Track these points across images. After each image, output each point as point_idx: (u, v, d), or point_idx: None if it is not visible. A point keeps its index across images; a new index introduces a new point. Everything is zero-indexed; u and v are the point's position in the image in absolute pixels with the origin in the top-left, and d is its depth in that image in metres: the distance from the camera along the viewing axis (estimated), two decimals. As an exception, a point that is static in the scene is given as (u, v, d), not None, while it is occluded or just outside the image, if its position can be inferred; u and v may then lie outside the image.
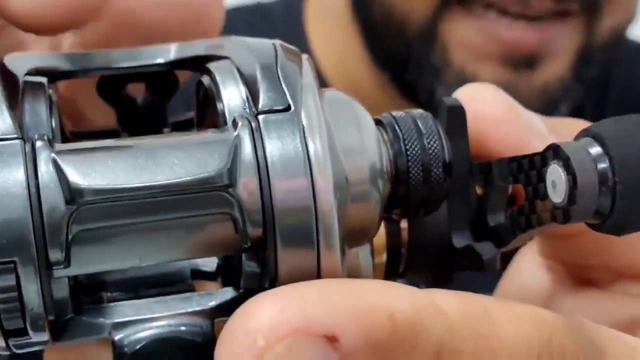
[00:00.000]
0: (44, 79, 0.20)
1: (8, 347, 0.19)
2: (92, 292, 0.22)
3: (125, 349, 0.19)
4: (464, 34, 0.57)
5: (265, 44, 0.21)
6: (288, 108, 0.19)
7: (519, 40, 0.57)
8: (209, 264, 0.23)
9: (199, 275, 0.22)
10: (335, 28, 0.65)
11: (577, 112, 0.62)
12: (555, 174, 0.19)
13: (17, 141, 0.18)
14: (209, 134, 0.19)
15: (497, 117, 0.24)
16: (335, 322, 0.18)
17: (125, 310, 0.20)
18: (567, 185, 0.19)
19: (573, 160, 0.18)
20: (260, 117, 0.19)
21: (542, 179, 0.20)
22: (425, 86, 0.59)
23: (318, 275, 0.19)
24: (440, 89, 0.59)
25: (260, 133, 0.19)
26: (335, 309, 0.18)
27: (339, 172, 0.19)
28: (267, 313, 0.18)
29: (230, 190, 0.18)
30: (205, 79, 0.21)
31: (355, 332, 0.18)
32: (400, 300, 0.18)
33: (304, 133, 0.19)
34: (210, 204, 0.19)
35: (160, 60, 0.23)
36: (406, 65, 0.60)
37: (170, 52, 0.23)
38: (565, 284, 0.27)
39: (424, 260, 0.24)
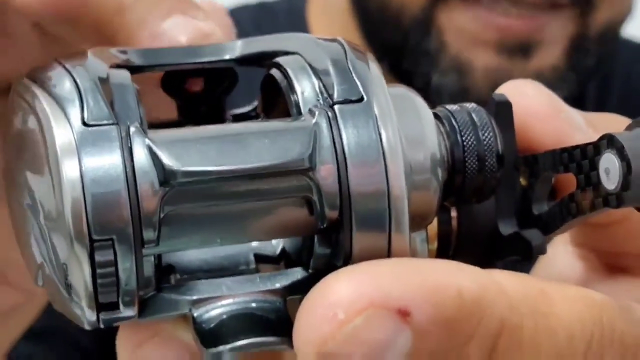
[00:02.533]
0: (127, 72, 0.21)
1: (98, 320, 0.20)
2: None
3: (205, 324, 0.21)
4: (459, 21, 0.59)
5: (330, 40, 0.22)
6: (361, 99, 0.21)
7: (513, 27, 0.58)
8: (269, 248, 0.24)
9: (262, 259, 0.24)
10: (336, 24, 0.67)
11: (575, 104, 0.64)
12: (609, 161, 0.20)
13: (113, 126, 0.19)
14: (289, 123, 0.21)
15: (541, 111, 0.25)
16: (408, 297, 0.19)
17: (203, 288, 0.21)
18: (621, 171, 0.20)
19: (627, 148, 0.20)
20: (336, 107, 0.20)
21: (594, 167, 0.21)
22: (422, 73, 0.61)
23: (388, 256, 0.20)
24: (435, 76, 0.60)
25: (337, 122, 0.20)
26: (407, 285, 0.19)
27: (405, 160, 0.21)
28: (345, 288, 0.19)
29: (310, 173, 0.20)
30: (276, 73, 0.22)
31: (426, 307, 0.19)
32: (467, 278, 0.20)
33: (376, 122, 0.20)
34: (291, 187, 0.20)
35: (227, 57, 0.24)
36: (403, 53, 0.61)
37: (236, 49, 0.24)
38: (598, 272, 0.28)
39: (471, 247, 0.25)
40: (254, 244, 0.24)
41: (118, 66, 0.22)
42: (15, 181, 0.22)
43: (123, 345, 0.22)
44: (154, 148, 0.19)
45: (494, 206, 0.25)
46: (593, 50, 0.60)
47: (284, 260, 0.24)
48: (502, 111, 0.24)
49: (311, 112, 0.20)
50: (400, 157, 0.20)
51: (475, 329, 0.19)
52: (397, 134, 0.20)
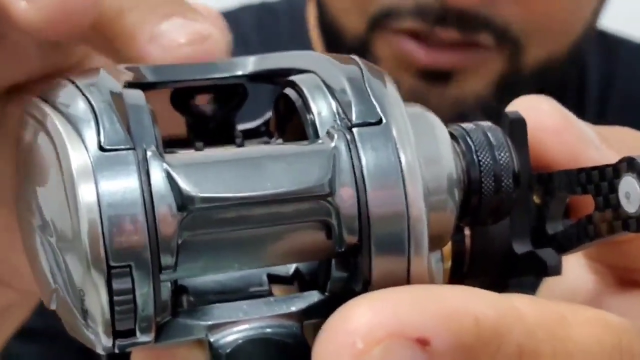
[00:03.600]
0: (141, 92, 0.21)
1: (113, 346, 0.20)
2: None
3: (221, 350, 0.20)
4: (385, 53, 0.59)
5: (346, 59, 0.22)
6: (380, 121, 0.20)
7: (433, 63, 0.58)
8: (282, 268, 0.24)
9: (275, 279, 0.24)
10: None
11: (577, 104, 0.63)
12: (629, 185, 0.20)
13: (130, 151, 0.19)
14: (307, 146, 0.20)
15: (554, 127, 0.25)
16: (427, 326, 0.19)
17: (219, 312, 0.21)
18: None
19: None
20: (355, 129, 0.20)
21: (613, 189, 0.21)
22: None
23: (407, 280, 0.20)
24: None
25: (356, 145, 0.20)
26: (426, 313, 0.19)
27: (423, 182, 0.20)
28: (364, 317, 0.19)
29: (330, 198, 0.20)
30: (290, 92, 0.22)
31: (445, 335, 0.19)
32: (484, 304, 0.20)
33: (395, 145, 0.20)
34: (310, 211, 0.20)
35: (238, 73, 0.24)
36: None
37: (248, 65, 0.24)
38: (611, 286, 0.28)
39: (485, 266, 0.25)
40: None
41: (130, 85, 0.22)
42: (26, 201, 0.22)
43: None
44: (172, 173, 0.19)
45: (507, 225, 0.24)
46: (528, 86, 0.58)
47: (297, 280, 0.23)
48: (516, 129, 0.24)
49: (329, 135, 0.20)
50: (419, 180, 0.20)
51: (494, 356, 0.19)
52: (416, 157, 0.20)
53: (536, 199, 0.25)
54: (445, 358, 0.19)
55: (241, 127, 0.26)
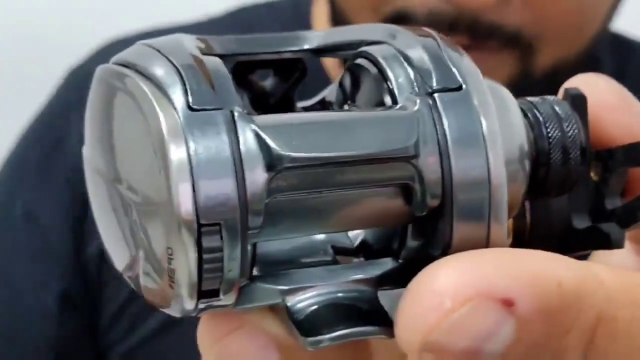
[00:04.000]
0: (218, 59, 0.21)
1: (195, 307, 0.20)
2: None
3: (298, 314, 0.20)
4: None
5: (420, 30, 0.22)
6: (460, 87, 0.20)
7: None
8: (346, 240, 0.24)
9: (340, 251, 0.24)
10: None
11: None
12: None
13: (218, 111, 0.19)
14: (391, 111, 0.20)
15: (613, 104, 0.25)
16: (512, 287, 0.19)
17: (295, 277, 0.21)
18: None
19: None
20: (436, 95, 0.20)
21: None
22: None
23: (486, 247, 0.20)
24: None
25: (438, 110, 0.20)
26: (511, 275, 0.19)
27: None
28: (452, 277, 0.19)
29: (414, 161, 0.20)
30: (363, 61, 0.22)
31: (530, 297, 0.19)
32: (566, 269, 0.20)
33: (477, 111, 0.20)
34: (394, 175, 0.20)
35: (305, 47, 0.24)
36: None
37: (314, 38, 0.24)
38: None
39: (545, 241, 0.25)
40: (329, 235, 0.24)
41: (204, 54, 0.22)
42: (97, 170, 0.22)
43: (206, 336, 0.22)
44: (260, 133, 0.19)
45: (566, 200, 0.25)
46: (539, 88, 0.59)
47: (363, 252, 0.23)
48: (577, 105, 0.24)
49: (410, 100, 0.20)
50: (500, 147, 0.20)
51: (574, 320, 0.19)
52: (497, 124, 0.20)
53: (594, 176, 0.25)
54: (529, 319, 0.19)
55: (300, 105, 0.26)
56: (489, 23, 0.55)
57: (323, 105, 0.26)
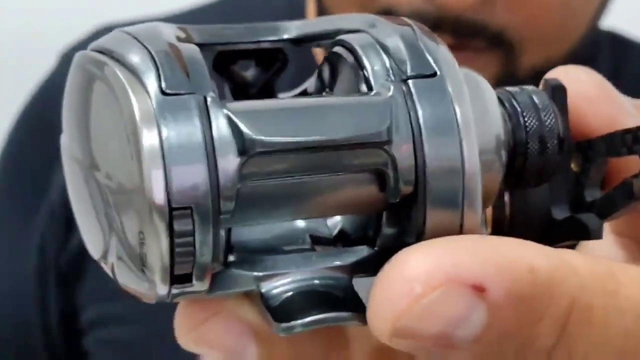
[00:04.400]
0: (195, 46, 0.21)
1: (168, 294, 0.20)
2: None
3: (272, 301, 0.20)
4: None
5: (397, 19, 0.22)
6: (434, 74, 0.21)
7: None
8: (324, 229, 0.24)
9: (317, 240, 0.24)
10: None
11: None
12: None
13: (191, 95, 0.19)
14: (365, 97, 0.21)
15: (594, 95, 0.25)
16: (484, 273, 0.19)
17: (269, 264, 0.21)
18: None
19: None
20: (410, 81, 0.20)
21: None
22: None
23: (460, 234, 0.20)
24: None
25: (412, 96, 0.20)
26: (483, 261, 0.19)
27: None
28: (423, 262, 0.19)
29: (387, 147, 0.20)
30: (340, 50, 0.22)
31: (501, 283, 0.19)
32: (539, 256, 0.20)
33: (451, 98, 0.20)
34: (367, 161, 0.20)
35: (284, 37, 0.24)
36: None
37: (292, 28, 0.24)
38: (639, 261, 0.28)
39: (524, 231, 0.25)
40: (308, 225, 0.24)
41: (182, 41, 0.22)
42: (74, 157, 0.22)
43: (183, 323, 0.22)
44: (233, 117, 0.19)
45: (546, 191, 0.25)
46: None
47: (340, 242, 0.23)
48: (557, 95, 0.24)
49: (385, 87, 0.20)
50: (474, 134, 0.20)
51: (547, 307, 0.19)
52: (471, 111, 0.20)
53: (574, 167, 0.25)
54: (501, 306, 0.19)
55: (281, 95, 0.26)
56: (472, 22, 0.55)
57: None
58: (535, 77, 0.60)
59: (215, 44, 0.24)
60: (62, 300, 0.62)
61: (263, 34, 0.24)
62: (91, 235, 0.22)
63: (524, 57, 0.58)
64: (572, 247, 0.30)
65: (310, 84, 0.25)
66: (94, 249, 0.22)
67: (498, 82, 0.57)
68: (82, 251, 0.60)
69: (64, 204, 0.61)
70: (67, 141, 0.23)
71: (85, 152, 0.21)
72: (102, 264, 0.22)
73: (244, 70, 0.25)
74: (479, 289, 0.19)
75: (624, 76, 0.68)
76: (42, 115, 0.65)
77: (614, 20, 0.67)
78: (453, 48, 0.63)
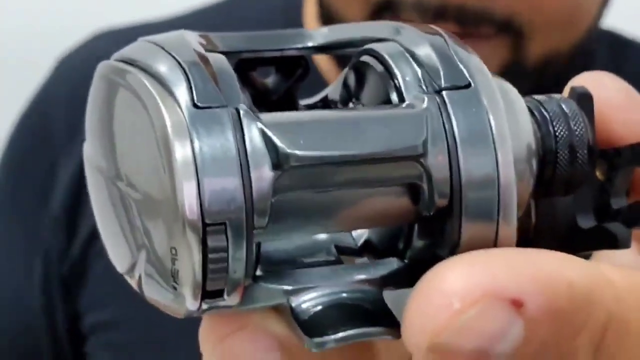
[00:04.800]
0: (222, 56, 0.21)
1: (199, 308, 0.19)
2: None
3: (303, 315, 0.20)
4: None
5: (427, 28, 0.22)
6: (469, 85, 0.20)
7: None
8: (349, 239, 0.24)
9: (343, 250, 0.23)
10: None
11: None
12: None
13: (224, 109, 0.19)
14: (399, 109, 0.20)
15: (620, 103, 0.25)
16: (522, 288, 0.19)
17: (299, 277, 0.21)
18: None
19: None
20: (444, 93, 0.20)
21: None
22: None
23: (495, 246, 0.20)
24: None
25: (447, 108, 0.20)
26: (521, 275, 0.19)
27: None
28: (461, 277, 0.19)
29: (422, 160, 0.19)
30: (369, 59, 0.22)
31: (539, 298, 0.19)
32: (576, 269, 0.19)
33: (486, 109, 0.20)
34: (402, 174, 0.20)
35: (309, 44, 0.24)
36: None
37: (317, 36, 0.24)
38: None
39: (549, 240, 0.25)
40: (332, 235, 0.23)
41: (208, 51, 0.22)
42: (98, 168, 0.22)
43: (208, 337, 0.22)
44: (267, 131, 0.19)
45: (571, 199, 0.24)
46: (530, 79, 0.59)
47: (366, 252, 0.23)
48: (584, 103, 0.24)
49: (418, 98, 0.20)
50: (509, 145, 0.20)
51: (585, 322, 0.19)
52: (506, 122, 0.20)
53: (599, 175, 0.25)
54: (539, 321, 0.19)
55: (302, 103, 0.26)
56: (477, 10, 0.55)
57: (325, 104, 0.25)
58: (542, 67, 0.60)
59: (240, 52, 0.23)
60: (67, 306, 0.62)
61: (287, 41, 0.24)
62: (117, 249, 0.22)
63: (532, 45, 0.57)
64: (588, 256, 0.29)
65: (334, 90, 0.25)
66: (119, 263, 0.22)
67: (505, 70, 0.57)
68: (84, 257, 0.60)
69: (67, 209, 0.60)
70: (91, 151, 0.22)
71: (110, 162, 0.21)
72: (128, 278, 0.21)
73: (264, 77, 0.25)
74: (516, 304, 0.19)
75: (623, 76, 0.68)
76: (39, 123, 0.65)
77: (614, 21, 0.67)
78: (459, 36, 0.63)
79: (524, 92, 0.23)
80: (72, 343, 0.62)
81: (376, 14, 0.57)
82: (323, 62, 0.62)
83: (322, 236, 0.23)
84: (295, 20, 0.67)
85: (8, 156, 0.66)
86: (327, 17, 0.62)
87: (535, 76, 0.58)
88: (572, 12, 0.59)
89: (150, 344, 0.59)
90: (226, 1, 0.70)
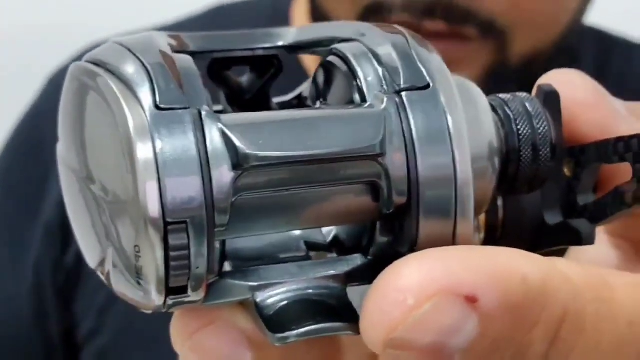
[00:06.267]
0: (189, 57, 0.21)
1: (164, 304, 0.20)
2: None
3: (267, 310, 0.21)
4: None
5: (389, 28, 0.22)
6: (427, 86, 0.21)
7: None
8: (319, 236, 0.24)
9: (313, 247, 0.24)
10: None
11: None
12: None
13: (185, 110, 0.19)
14: (358, 109, 0.21)
15: (587, 100, 0.25)
16: (476, 283, 0.19)
17: (264, 273, 0.21)
18: None
19: None
20: (404, 94, 0.20)
21: None
22: None
23: (453, 243, 0.21)
24: None
25: (405, 108, 0.20)
26: (475, 271, 0.19)
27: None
28: (416, 273, 0.19)
29: (380, 159, 0.20)
30: (334, 59, 0.22)
31: (494, 293, 0.19)
32: (531, 265, 0.20)
33: (444, 109, 0.20)
34: (361, 173, 0.20)
35: (279, 44, 0.24)
36: None
37: (287, 35, 0.24)
38: (633, 262, 0.28)
39: (517, 237, 0.25)
40: (302, 232, 0.24)
41: (176, 51, 0.22)
42: (70, 167, 0.22)
43: (178, 331, 0.22)
44: (227, 132, 0.19)
45: (538, 196, 0.25)
46: (515, 79, 0.59)
47: (335, 248, 0.24)
48: (550, 101, 0.24)
49: (378, 98, 0.21)
50: (467, 144, 0.20)
51: (539, 316, 0.20)
52: (464, 121, 0.20)
53: (567, 172, 0.25)
54: (494, 316, 0.19)
55: (275, 101, 0.26)
56: (464, 8, 0.56)
57: (300, 101, 0.26)
58: (525, 67, 0.60)
59: (210, 52, 0.24)
60: (62, 316, 0.62)
61: (258, 40, 0.24)
62: (88, 244, 0.22)
63: (514, 45, 0.58)
64: (564, 250, 0.30)
65: (305, 88, 0.25)
66: (91, 258, 0.22)
67: (490, 72, 0.58)
68: (78, 266, 0.60)
69: (59, 220, 0.61)
70: (64, 151, 0.23)
71: (81, 162, 0.22)
72: (99, 273, 0.22)
73: (239, 76, 0.26)
74: (471, 300, 0.19)
75: (608, 72, 0.68)
76: (31, 136, 0.65)
77: (613, 20, 0.67)
78: (445, 35, 0.62)
79: (510, 92, 0.24)
80: (67, 353, 0.63)
81: (365, 15, 0.58)
82: (307, 58, 0.63)
83: (293, 232, 0.24)
84: (284, 24, 0.67)
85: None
86: (317, 19, 0.62)
87: (520, 76, 0.58)
88: (552, 9, 0.60)
89: (145, 352, 0.59)
90: (215, 9, 0.71)
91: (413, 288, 0.19)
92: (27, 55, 0.96)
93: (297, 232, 0.24)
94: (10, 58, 0.97)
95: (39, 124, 0.65)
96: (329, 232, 0.24)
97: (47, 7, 0.97)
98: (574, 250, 0.30)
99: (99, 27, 0.67)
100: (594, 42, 0.70)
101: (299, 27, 0.24)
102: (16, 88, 0.75)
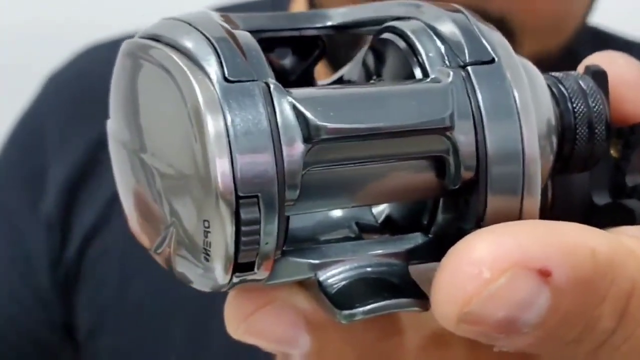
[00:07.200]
0: (247, 33, 0.21)
1: (230, 282, 0.20)
2: None
3: (330, 288, 0.20)
4: None
5: (449, 6, 0.22)
6: (493, 60, 0.20)
7: None
8: (369, 217, 0.24)
9: (364, 227, 0.24)
10: None
11: None
12: None
13: (254, 82, 0.19)
14: (424, 84, 0.20)
15: (632, 80, 0.25)
16: (549, 257, 0.19)
17: (326, 251, 0.21)
18: None
19: None
20: (470, 68, 0.20)
21: None
22: None
23: (519, 219, 0.20)
24: None
25: (472, 82, 0.20)
26: (547, 246, 0.19)
27: None
28: (490, 247, 0.19)
29: (449, 133, 0.20)
30: (391, 36, 0.22)
31: (565, 266, 0.19)
32: (599, 239, 0.20)
33: (510, 84, 0.20)
34: (429, 147, 0.20)
35: (328, 24, 0.24)
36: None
37: (336, 16, 0.24)
38: None
39: (566, 217, 0.25)
40: (352, 212, 0.23)
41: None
42: (124, 144, 0.22)
43: (234, 314, 0.22)
44: (297, 105, 0.19)
45: (587, 177, 0.25)
46: None
47: (388, 228, 0.23)
48: (598, 81, 0.24)
49: (443, 73, 0.20)
50: (534, 119, 0.20)
51: (608, 290, 0.20)
52: (530, 96, 0.20)
53: (614, 153, 0.25)
54: (565, 290, 0.19)
55: (319, 83, 0.26)
56: (474, 7, 0.55)
57: (342, 84, 0.26)
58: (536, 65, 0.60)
59: (259, 31, 0.23)
60: (62, 312, 0.61)
61: (306, 21, 0.24)
62: (142, 227, 0.22)
63: (523, 46, 0.58)
64: None
65: (350, 71, 0.25)
66: (146, 239, 0.22)
67: None
68: (78, 262, 0.60)
69: (58, 214, 0.60)
70: (115, 127, 0.22)
71: (135, 138, 0.21)
72: (154, 254, 0.22)
73: (280, 59, 0.25)
74: (544, 273, 0.19)
75: None
76: (30, 135, 0.64)
77: (613, 20, 0.67)
78: None
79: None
80: (67, 349, 0.62)
81: None
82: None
83: (342, 213, 0.23)
84: None
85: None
86: None
87: None
88: (562, 15, 0.60)
89: (146, 351, 0.59)
90: (216, 9, 0.70)
91: (488, 261, 0.19)
92: (27, 53, 0.95)
93: (347, 213, 0.23)
94: (10, 58, 0.96)
95: (38, 122, 0.64)
96: (380, 213, 0.24)
97: (46, 5, 0.97)
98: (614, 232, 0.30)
99: (99, 25, 0.66)
100: (593, 42, 0.70)
101: (349, 7, 0.24)
102: (16, 87, 0.74)
